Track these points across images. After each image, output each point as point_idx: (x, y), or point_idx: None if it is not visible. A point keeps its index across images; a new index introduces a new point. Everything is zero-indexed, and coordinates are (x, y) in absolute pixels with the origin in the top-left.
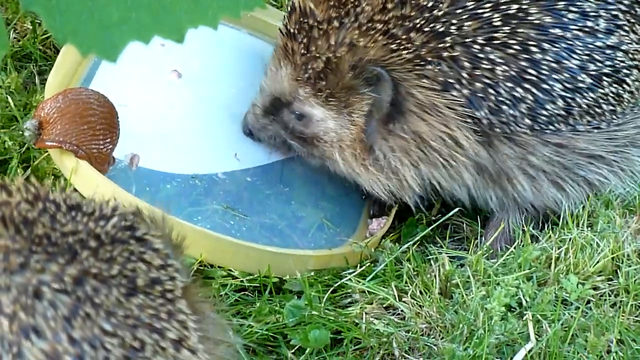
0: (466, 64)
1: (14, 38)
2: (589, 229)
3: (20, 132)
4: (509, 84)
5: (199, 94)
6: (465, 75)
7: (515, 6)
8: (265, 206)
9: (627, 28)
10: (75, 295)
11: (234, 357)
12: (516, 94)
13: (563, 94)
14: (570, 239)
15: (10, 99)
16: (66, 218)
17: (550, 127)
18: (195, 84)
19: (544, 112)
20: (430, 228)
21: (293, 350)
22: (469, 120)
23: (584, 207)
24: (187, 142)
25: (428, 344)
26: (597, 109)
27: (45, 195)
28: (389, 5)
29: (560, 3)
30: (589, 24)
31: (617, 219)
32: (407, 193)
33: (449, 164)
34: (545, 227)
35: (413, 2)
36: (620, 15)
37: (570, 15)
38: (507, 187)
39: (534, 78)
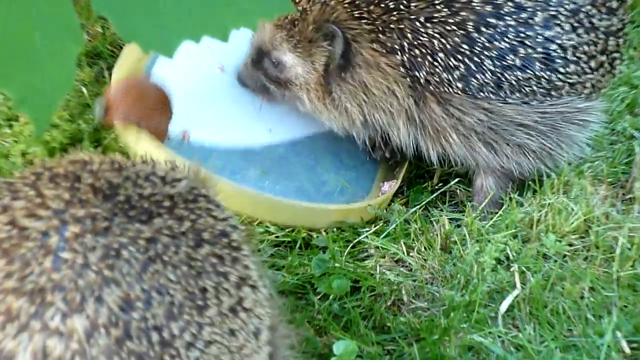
0: (409, 35)
1: (87, 39)
2: (565, 195)
3: (92, 116)
4: (443, 55)
5: (238, 83)
6: (406, 44)
7: None
8: (294, 173)
9: (567, 28)
10: (147, 255)
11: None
12: (450, 63)
13: (492, 68)
14: (549, 204)
15: (84, 90)
16: (145, 183)
17: (481, 93)
18: (235, 76)
19: (475, 81)
20: (433, 195)
21: (319, 297)
22: (407, 78)
23: (559, 175)
24: (230, 120)
25: (431, 291)
26: (527, 88)
27: (126, 164)
28: None
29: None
30: (524, 15)
31: (588, 187)
32: (356, 130)
33: (387, 109)
34: (528, 194)
35: None
36: (562, 17)
37: (507, 8)
38: (444, 144)
39: (467, 52)
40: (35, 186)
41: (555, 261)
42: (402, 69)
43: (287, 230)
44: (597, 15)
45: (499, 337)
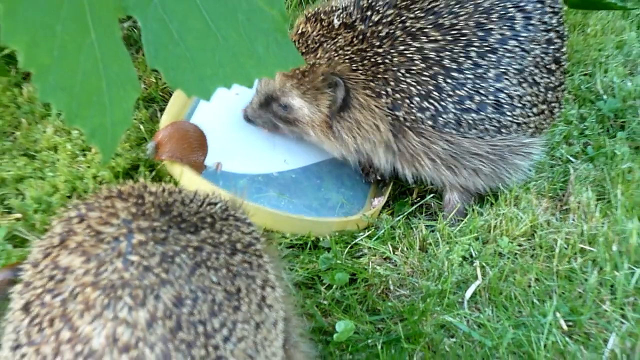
0: (392, 83)
1: (144, 87)
2: (515, 206)
3: (145, 150)
4: (418, 99)
5: (245, 121)
6: (390, 90)
7: (434, 54)
8: (304, 193)
9: (514, 82)
10: (194, 261)
11: (287, 290)
12: (423, 105)
13: (454, 111)
14: (503, 213)
15: (141, 127)
16: (192, 203)
17: (446, 129)
18: (243, 115)
19: (441, 119)
20: (413, 207)
21: (324, 287)
22: (389, 117)
23: (511, 192)
24: (253, 153)
25: (412, 282)
26: (481, 126)
27: (175, 190)
28: (355, 42)
29: (462, 58)
30: (480, 71)
31: (534, 200)
32: (350, 156)
33: (371, 140)
34: (487, 205)
35: (368, 41)
36: (510, 74)
37: (466, 65)
38: (417, 166)
39: (436, 97)
40: (108, 200)
41: (508, 258)
42: (386, 110)
43: (299, 235)
44: (539, 74)
45: (465, 317)
